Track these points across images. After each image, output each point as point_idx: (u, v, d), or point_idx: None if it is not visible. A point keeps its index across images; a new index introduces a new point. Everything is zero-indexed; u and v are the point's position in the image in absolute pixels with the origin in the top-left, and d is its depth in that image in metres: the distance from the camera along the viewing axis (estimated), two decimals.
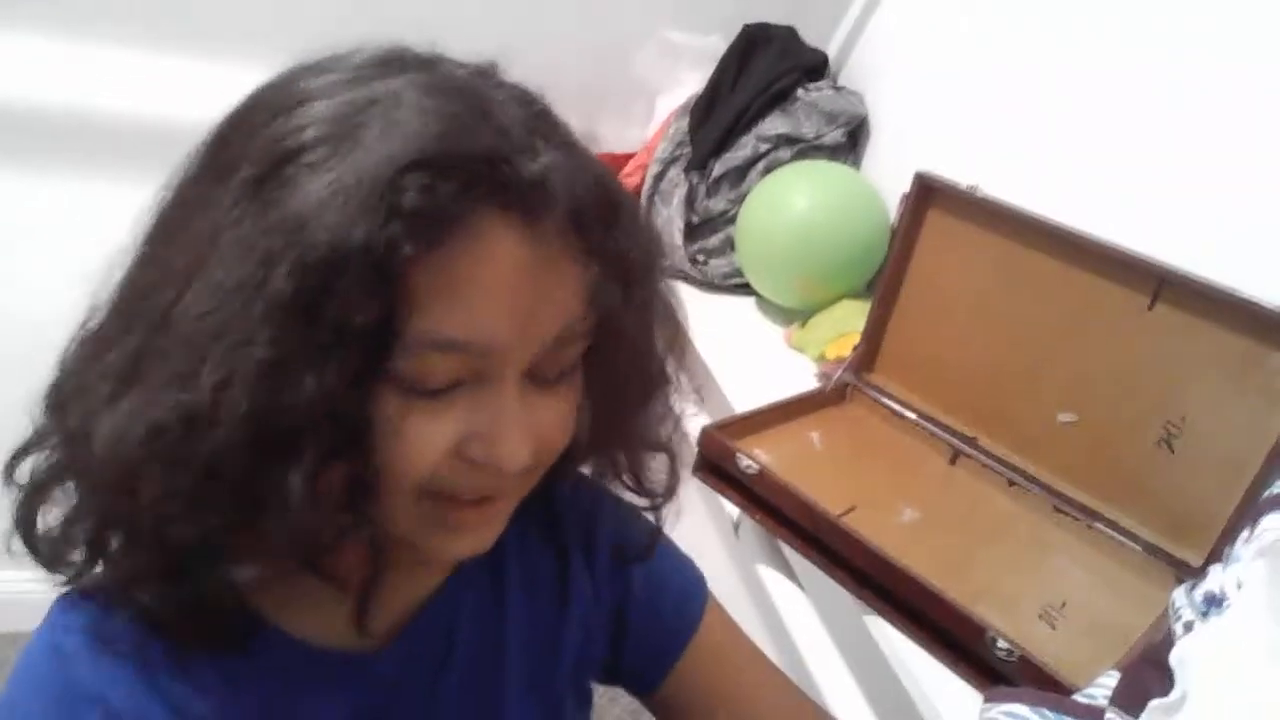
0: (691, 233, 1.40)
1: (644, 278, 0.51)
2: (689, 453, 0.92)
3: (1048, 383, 0.93)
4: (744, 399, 1.03)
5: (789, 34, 1.44)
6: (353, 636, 0.53)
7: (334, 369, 0.41)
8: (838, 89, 1.41)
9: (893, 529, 0.86)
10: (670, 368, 0.58)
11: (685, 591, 0.70)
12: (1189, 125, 0.92)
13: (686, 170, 1.41)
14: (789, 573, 0.92)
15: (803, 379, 1.11)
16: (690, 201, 1.40)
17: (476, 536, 0.50)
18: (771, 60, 1.40)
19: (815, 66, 1.42)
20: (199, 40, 1.33)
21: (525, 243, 0.43)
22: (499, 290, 0.43)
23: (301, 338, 0.41)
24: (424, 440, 0.44)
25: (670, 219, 1.40)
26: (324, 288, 0.40)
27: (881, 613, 0.80)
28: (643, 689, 0.69)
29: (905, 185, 0.98)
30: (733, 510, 0.91)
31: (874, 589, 0.81)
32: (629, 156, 1.51)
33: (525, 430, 0.46)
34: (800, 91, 1.39)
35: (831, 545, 0.83)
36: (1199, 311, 0.81)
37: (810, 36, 1.44)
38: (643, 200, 1.44)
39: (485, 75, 0.48)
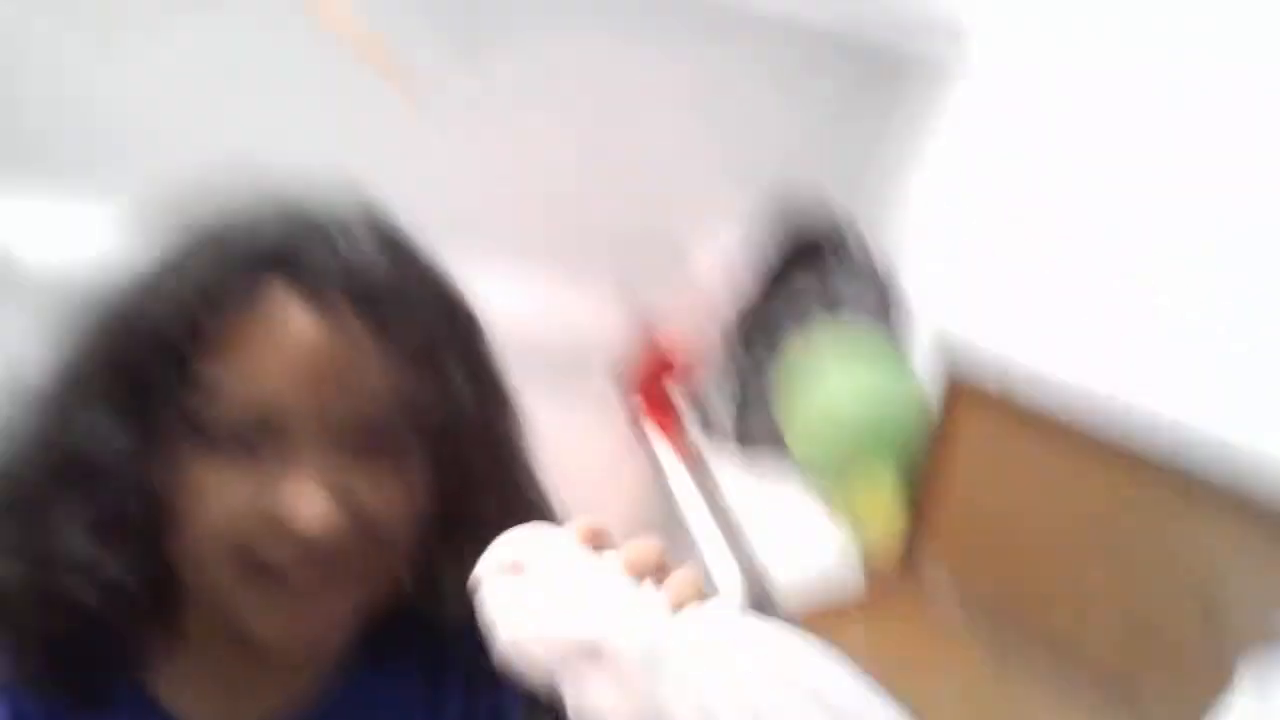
0: (734, 398, 1.44)
1: (455, 358, 0.53)
2: None
3: (1090, 582, 0.93)
4: (782, 570, 1.06)
5: (825, 219, 1.48)
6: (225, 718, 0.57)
7: (120, 416, 0.48)
8: (871, 259, 1.45)
9: None
10: (531, 463, 0.61)
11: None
12: (1205, 285, 0.94)
13: (727, 337, 1.45)
14: None
15: (842, 549, 1.13)
16: (733, 366, 1.44)
17: (305, 621, 0.51)
18: (806, 253, 1.46)
19: (848, 243, 1.46)
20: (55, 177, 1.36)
21: (312, 316, 0.48)
22: (282, 356, 0.48)
23: (91, 387, 0.48)
24: (230, 499, 0.48)
25: (714, 384, 1.44)
26: (122, 351, 0.48)
27: None
28: None
29: (937, 349, 0.99)
30: None
31: None
32: (672, 324, 1.56)
33: (324, 491, 0.48)
34: (830, 252, 1.44)
35: None
36: (1232, 511, 0.83)
37: (843, 203, 1.49)
38: (689, 366, 1.49)
39: (328, 197, 0.54)
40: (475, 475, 0.55)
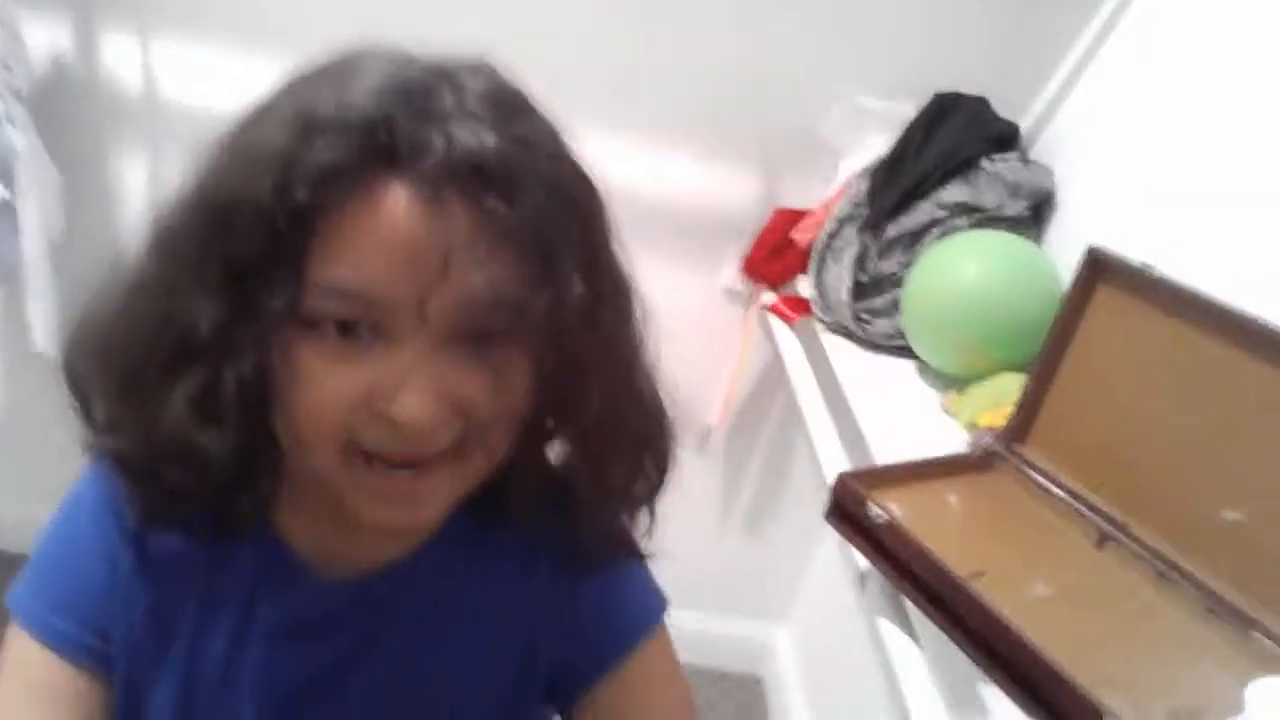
0: (859, 291, 1.41)
1: (570, 249, 0.51)
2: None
3: (1213, 476, 0.88)
4: (890, 457, 1.03)
5: (980, 104, 1.44)
6: (337, 562, 0.62)
7: (224, 300, 0.48)
8: (1026, 162, 1.39)
9: (1023, 601, 0.84)
10: (642, 355, 0.59)
11: (631, 617, 0.70)
12: None
13: (861, 230, 1.43)
14: (909, 630, 0.91)
15: (953, 445, 1.10)
16: (861, 261, 1.41)
17: (405, 509, 0.53)
18: (959, 129, 1.41)
19: (1004, 137, 1.41)
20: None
21: (414, 203, 0.47)
22: (385, 244, 0.47)
23: (195, 267, 0.48)
24: (332, 386, 0.49)
25: (840, 276, 1.42)
26: (220, 229, 0.47)
27: (999, 683, 0.79)
28: (559, 702, 0.70)
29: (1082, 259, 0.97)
30: (861, 560, 0.92)
31: (994, 658, 0.79)
32: (807, 213, 1.55)
33: (429, 386, 0.48)
34: (985, 162, 1.38)
35: (955, 607, 0.82)
36: None
37: (1002, 108, 1.43)
38: (814, 255, 1.47)
39: (451, 67, 0.51)
40: (582, 372, 0.54)
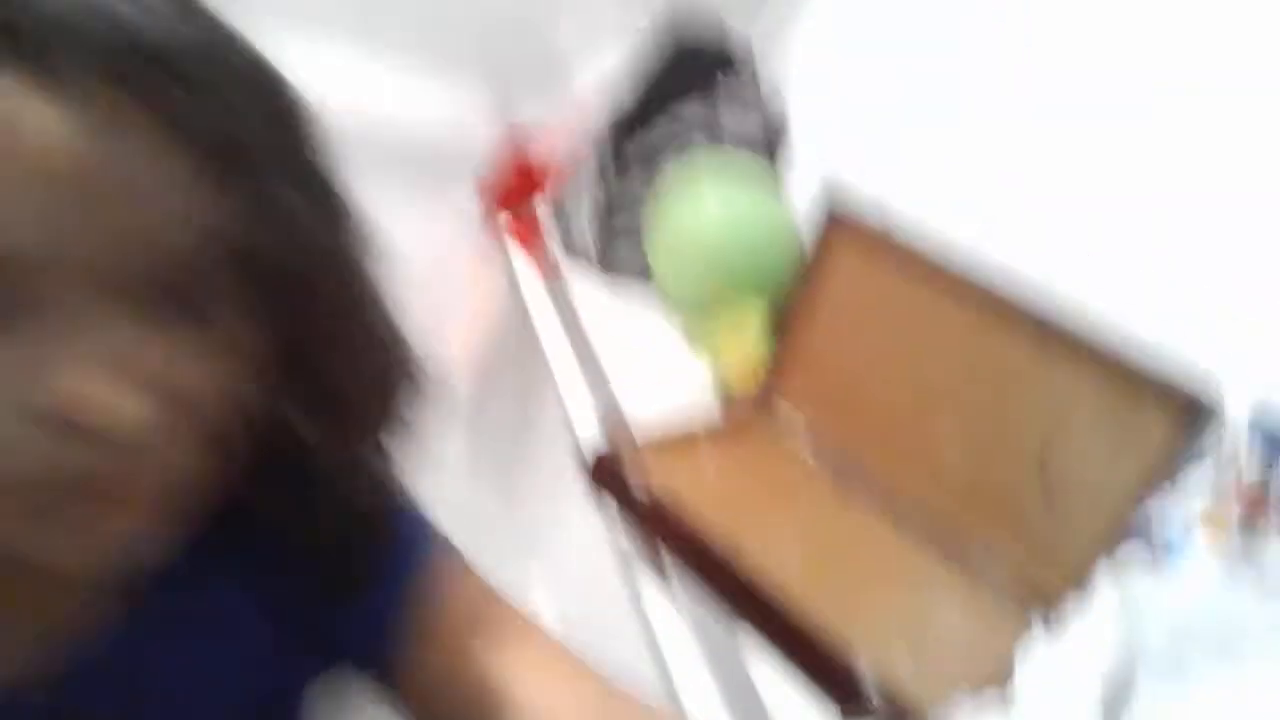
0: (599, 214, 1.36)
1: (277, 162, 0.38)
2: (575, 454, 0.91)
3: (938, 416, 0.94)
4: (640, 403, 1.02)
5: (717, 20, 1.40)
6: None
7: None
8: (758, 83, 1.38)
9: (772, 555, 0.86)
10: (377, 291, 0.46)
11: (406, 539, 0.55)
12: (1106, 165, 0.93)
13: (602, 150, 1.37)
14: (667, 587, 0.92)
15: (703, 390, 1.10)
16: (602, 178, 1.36)
17: (103, 536, 0.37)
18: (697, 45, 1.37)
19: (739, 57, 1.38)
20: None
21: (62, 111, 0.32)
22: (16, 174, 0.32)
23: None
24: None
25: (582, 200, 1.36)
26: None
27: (760, 645, 0.81)
28: (377, 668, 0.53)
29: (818, 188, 0.97)
30: (618, 525, 0.91)
31: (753, 620, 0.81)
32: (543, 130, 1.46)
33: (112, 367, 0.34)
34: (721, 79, 1.35)
35: (713, 574, 0.83)
36: (1085, 363, 0.83)
37: (737, 26, 1.40)
38: (552, 175, 1.40)
39: None
40: (319, 323, 0.41)
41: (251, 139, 0.36)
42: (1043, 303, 0.85)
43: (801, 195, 1.21)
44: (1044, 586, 0.87)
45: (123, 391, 0.34)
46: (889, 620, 0.85)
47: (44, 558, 0.37)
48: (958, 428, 0.93)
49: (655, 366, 1.16)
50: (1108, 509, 0.82)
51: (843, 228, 0.95)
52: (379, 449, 0.50)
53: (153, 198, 0.34)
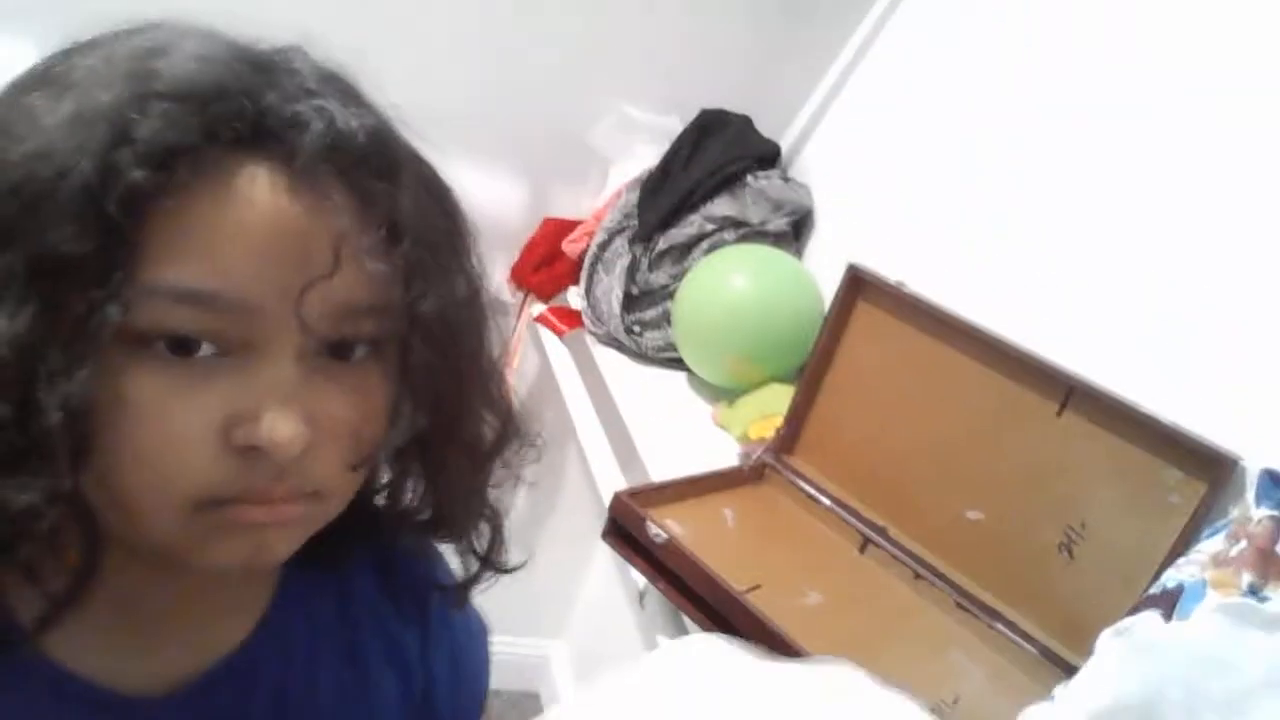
0: (630, 304, 1.41)
1: (440, 250, 0.45)
2: (596, 516, 0.92)
3: (958, 479, 0.94)
4: (663, 471, 1.03)
5: (744, 122, 1.48)
6: (140, 677, 0.47)
7: (30, 310, 0.36)
8: (786, 180, 1.45)
9: (796, 611, 0.86)
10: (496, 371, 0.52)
11: (481, 683, 0.66)
12: (1116, 240, 0.96)
13: (631, 242, 1.43)
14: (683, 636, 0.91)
15: (725, 457, 1.12)
16: (632, 273, 1.41)
17: (258, 542, 0.42)
18: (725, 144, 1.44)
19: (767, 156, 1.46)
20: None
21: (285, 189, 0.39)
22: (252, 238, 0.38)
23: None
24: (182, 420, 0.38)
25: (610, 288, 1.41)
26: (25, 213, 0.36)
27: None
28: None
29: (840, 268, 1.01)
30: (639, 578, 0.90)
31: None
32: (577, 223, 1.53)
33: (300, 406, 0.40)
34: (750, 178, 1.42)
35: (733, 621, 0.82)
36: (1102, 422, 0.84)
37: (765, 127, 1.49)
38: (585, 266, 1.46)
39: (270, 45, 0.44)
40: (459, 380, 0.48)
41: (424, 220, 0.43)
42: (1065, 366, 0.87)
43: (824, 276, 1.25)
44: (1067, 650, 0.85)
45: (295, 423, 0.39)
46: (908, 676, 0.83)
47: (208, 560, 0.42)
48: (980, 490, 0.93)
49: (679, 434, 1.18)
50: (1131, 571, 0.81)
51: (864, 287, 0.99)
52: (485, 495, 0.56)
53: (347, 264, 0.40)
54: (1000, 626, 0.89)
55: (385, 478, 0.52)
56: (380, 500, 0.53)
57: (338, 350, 0.42)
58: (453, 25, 1.41)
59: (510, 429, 0.54)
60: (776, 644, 0.78)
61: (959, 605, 0.92)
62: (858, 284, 0.99)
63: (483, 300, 0.50)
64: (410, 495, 0.52)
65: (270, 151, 0.39)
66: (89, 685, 0.45)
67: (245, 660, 0.51)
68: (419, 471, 0.51)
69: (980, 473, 0.93)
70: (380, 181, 0.41)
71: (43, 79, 0.40)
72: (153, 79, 0.38)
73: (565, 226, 1.54)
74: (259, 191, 0.38)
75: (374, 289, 0.41)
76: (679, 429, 1.21)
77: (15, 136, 0.37)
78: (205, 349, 0.39)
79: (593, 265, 1.45)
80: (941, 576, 0.93)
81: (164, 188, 0.36)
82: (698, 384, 1.34)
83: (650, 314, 1.40)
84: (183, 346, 0.38)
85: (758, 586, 0.86)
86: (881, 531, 0.98)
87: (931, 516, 0.96)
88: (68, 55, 0.41)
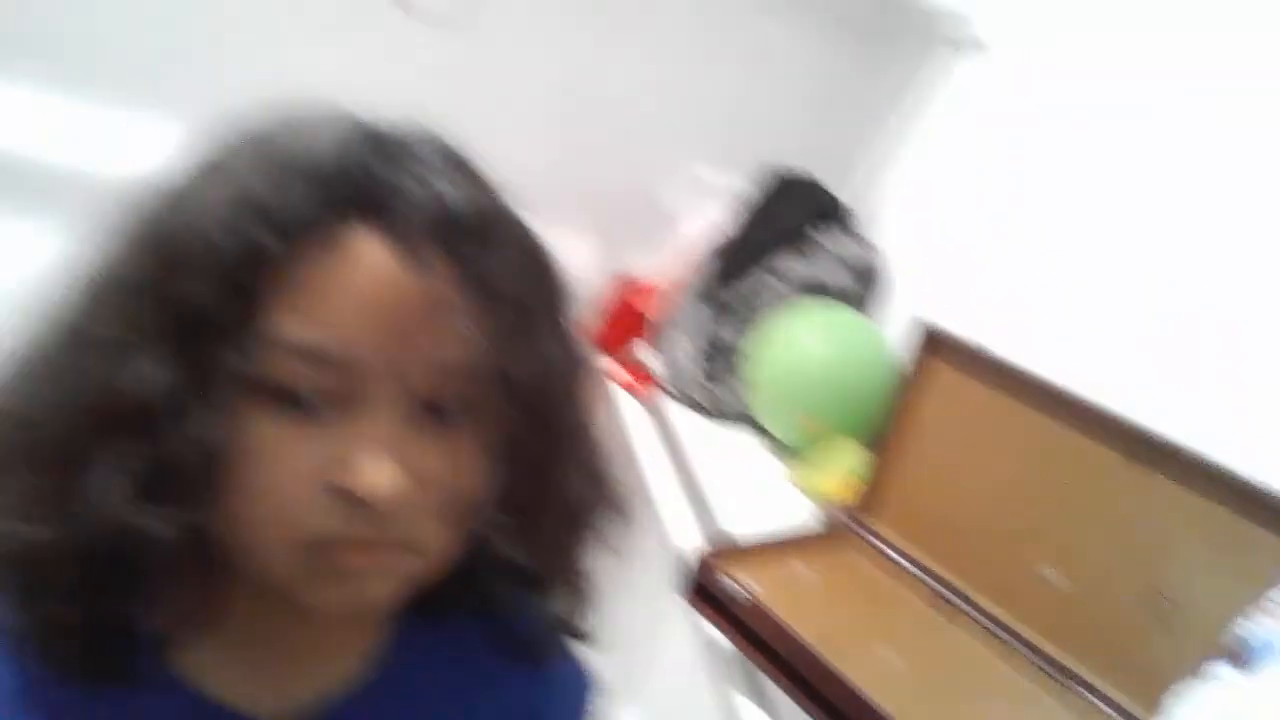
0: (703, 361, 1.44)
1: (543, 311, 0.48)
2: (675, 573, 0.94)
3: (1036, 539, 0.94)
4: (738, 529, 1.05)
5: (813, 181, 1.51)
6: (269, 702, 0.51)
7: (173, 360, 0.41)
8: (856, 237, 1.47)
9: (875, 670, 0.86)
10: (592, 430, 0.55)
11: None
12: (1189, 295, 0.96)
13: (703, 300, 1.46)
14: (765, 704, 0.92)
15: (801, 515, 1.13)
16: (704, 331, 1.44)
17: (358, 586, 0.46)
18: (795, 203, 1.47)
19: (836, 214, 1.48)
20: (117, 88, 1.34)
21: (393, 256, 0.43)
22: (360, 300, 0.42)
23: (141, 324, 0.42)
24: (291, 465, 0.42)
25: (683, 346, 1.44)
26: (171, 274, 0.42)
27: None
28: None
29: (911, 324, 1.03)
30: (716, 635, 0.92)
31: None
32: (650, 282, 1.57)
33: (396, 458, 0.43)
34: (819, 236, 1.45)
35: (810, 679, 0.83)
36: (1183, 479, 0.84)
37: (835, 186, 1.51)
38: (658, 324, 1.49)
39: (399, 125, 0.48)
40: (554, 444, 0.50)
41: (526, 292, 0.46)
42: (1143, 421, 0.87)
43: (895, 332, 1.27)
44: (1145, 713, 0.84)
45: (391, 473, 0.42)
46: None
47: (317, 601, 0.46)
48: (1057, 550, 0.93)
49: (754, 493, 1.20)
50: (1211, 628, 0.80)
51: (939, 345, 1.00)
52: (583, 574, 0.59)
53: (446, 327, 0.43)
54: (1079, 688, 0.88)
55: (491, 535, 0.54)
56: (483, 557, 0.55)
57: (438, 410, 0.45)
58: (528, 87, 1.47)
59: (603, 495, 0.57)
60: (856, 703, 0.79)
61: (1037, 666, 0.91)
62: (932, 342, 1.01)
63: (579, 366, 0.53)
64: (505, 554, 0.54)
65: (380, 222, 0.43)
66: (223, 708, 0.50)
67: (363, 696, 0.55)
68: (513, 532, 0.53)
69: (1057, 532, 0.93)
70: (478, 251, 0.44)
71: (201, 160, 0.46)
72: (283, 159, 0.43)
73: (638, 286, 1.58)
74: (367, 258, 0.42)
75: (468, 352, 0.44)
76: (753, 486, 1.22)
77: (172, 210, 0.44)
78: (315, 401, 0.43)
79: (666, 323, 1.49)
80: (1019, 637, 0.93)
81: (287, 254, 0.41)
82: (772, 441, 1.36)
83: (722, 369, 1.43)
84: (295, 398, 0.42)
85: (835, 646, 0.87)
86: (959, 592, 0.98)
87: (1009, 577, 0.96)
88: (224, 138, 0.47)
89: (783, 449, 1.33)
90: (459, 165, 0.48)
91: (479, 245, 0.44)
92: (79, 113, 1.34)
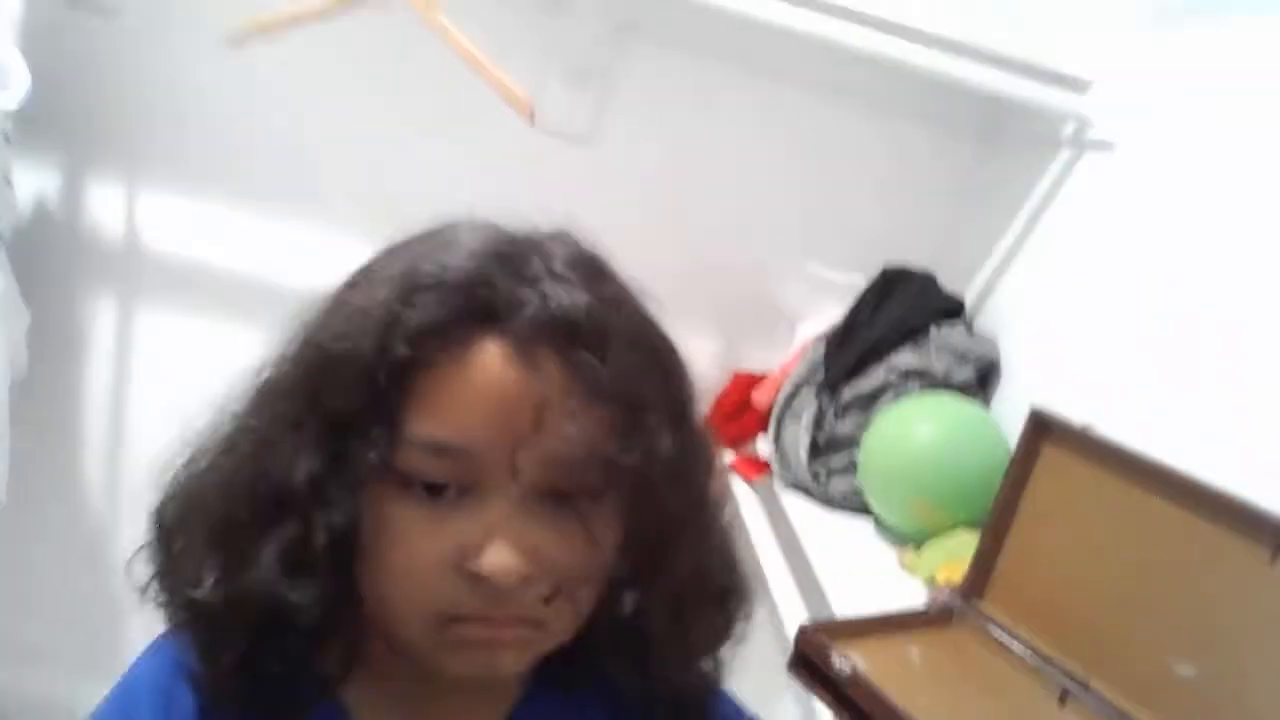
0: (816, 452, 1.45)
1: (658, 406, 0.51)
2: (786, 650, 0.94)
3: (1164, 631, 0.90)
4: (849, 613, 1.04)
5: (928, 278, 1.53)
6: None
7: (321, 453, 0.48)
8: (971, 332, 1.47)
9: None
10: (720, 510, 0.59)
11: None
12: None
13: (818, 393, 1.48)
14: None
15: (911, 601, 1.11)
16: (818, 421, 1.46)
17: (487, 656, 0.51)
18: (909, 299, 1.49)
19: (951, 309, 1.49)
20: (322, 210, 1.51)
21: (509, 360, 0.48)
22: (478, 400, 0.47)
23: (294, 421, 0.49)
24: (422, 547, 0.48)
25: (798, 436, 1.46)
26: (318, 380, 0.49)
27: None
28: None
29: (1025, 414, 1.02)
30: (824, 711, 0.91)
31: None
32: (766, 376, 1.60)
33: (516, 540, 0.47)
34: (934, 330, 1.46)
35: None
36: None
37: (948, 282, 1.53)
38: (773, 416, 1.51)
39: (537, 235, 0.54)
40: (670, 529, 0.54)
41: (641, 390, 0.50)
42: (1267, 508, 0.83)
43: (1011, 426, 1.25)
44: None
45: (510, 556, 0.47)
46: None
47: (447, 668, 0.51)
48: (1190, 644, 0.88)
49: (866, 576, 1.19)
50: None
51: (1049, 430, 0.99)
52: (708, 648, 0.62)
53: (567, 429, 0.48)
54: None
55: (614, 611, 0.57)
56: (607, 631, 0.58)
57: (559, 496, 0.50)
58: (644, 193, 1.56)
59: (724, 578, 0.60)
60: None
61: None
62: (1042, 427, 1.00)
63: (699, 457, 0.56)
64: (628, 629, 0.57)
65: (499, 329, 0.48)
66: None
67: None
68: (636, 609, 0.56)
69: (1188, 625, 0.89)
70: (590, 352, 0.48)
71: (356, 276, 0.55)
72: (419, 276, 0.50)
73: (754, 380, 1.61)
74: (487, 362, 0.48)
75: (578, 445, 0.48)
76: (864, 572, 1.21)
77: (328, 323, 0.52)
78: (444, 490, 0.48)
79: (780, 415, 1.51)
80: None
81: (418, 360, 0.48)
82: (883, 529, 1.34)
83: (836, 461, 1.44)
84: (427, 487, 0.48)
85: None
86: (1081, 683, 0.94)
87: (1137, 670, 0.91)
88: (376, 256, 0.55)
89: (895, 536, 1.31)
90: (586, 269, 0.53)
91: (592, 347, 0.49)
92: (273, 229, 1.52)
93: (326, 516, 0.49)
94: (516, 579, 0.47)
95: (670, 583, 0.55)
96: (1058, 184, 1.42)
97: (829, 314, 1.59)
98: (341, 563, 0.50)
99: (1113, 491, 0.94)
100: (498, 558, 0.47)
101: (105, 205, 1.52)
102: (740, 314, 1.66)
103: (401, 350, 0.47)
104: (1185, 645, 0.88)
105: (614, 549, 0.53)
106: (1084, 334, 1.29)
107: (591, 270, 0.53)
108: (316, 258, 1.48)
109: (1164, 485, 0.90)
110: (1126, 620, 0.92)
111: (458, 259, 0.50)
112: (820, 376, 1.50)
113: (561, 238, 0.55)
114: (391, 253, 0.54)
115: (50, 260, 1.53)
